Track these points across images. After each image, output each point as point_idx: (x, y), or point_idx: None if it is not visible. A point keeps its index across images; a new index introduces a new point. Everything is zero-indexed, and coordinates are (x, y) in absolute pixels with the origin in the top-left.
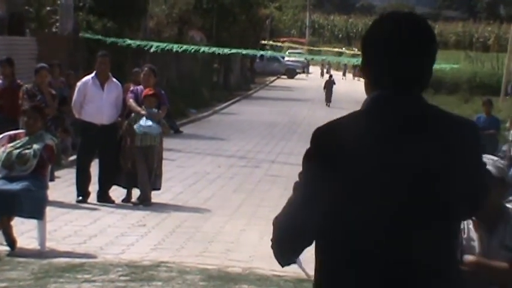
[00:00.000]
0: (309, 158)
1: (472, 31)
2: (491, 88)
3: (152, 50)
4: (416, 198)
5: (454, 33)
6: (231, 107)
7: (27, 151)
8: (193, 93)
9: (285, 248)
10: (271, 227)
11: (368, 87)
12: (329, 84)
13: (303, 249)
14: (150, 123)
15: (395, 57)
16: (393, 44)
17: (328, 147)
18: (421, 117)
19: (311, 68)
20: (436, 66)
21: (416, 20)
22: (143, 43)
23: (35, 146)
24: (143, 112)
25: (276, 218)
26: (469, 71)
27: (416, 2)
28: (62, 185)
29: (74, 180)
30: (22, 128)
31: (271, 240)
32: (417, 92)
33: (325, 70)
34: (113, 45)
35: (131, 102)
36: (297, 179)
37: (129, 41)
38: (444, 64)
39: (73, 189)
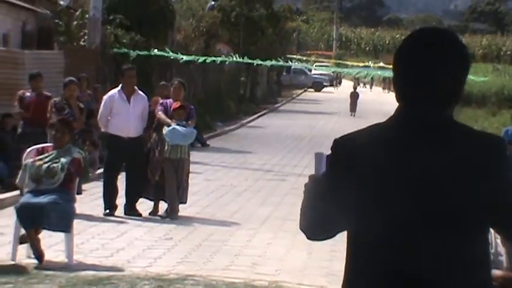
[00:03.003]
0: (327, 162)
1: (499, 44)
2: None
3: (182, 60)
4: (428, 207)
5: (481, 46)
6: (257, 120)
7: (55, 165)
8: (219, 106)
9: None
10: (299, 240)
11: (396, 99)
12: (354, 96)
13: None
14: (183, 128)
15: (418, 71)
16: (418, 58)
17: (344, 154)
18: (440, 131)
19: (343, 81)
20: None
21: (448, 38)
22: (171, 55)
23: (63, 160)
24: (173, 125)
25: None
26: (497, 83)
27: (443, 15)
28: (89, 198)
29: (101, 194)
30: (50, 141)
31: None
32: (443, 108)
33: (362, 84)
34: (140, 58)
35: (160, 114)
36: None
37: (156, 52)
38: (472, 77)
39: (100, 203)
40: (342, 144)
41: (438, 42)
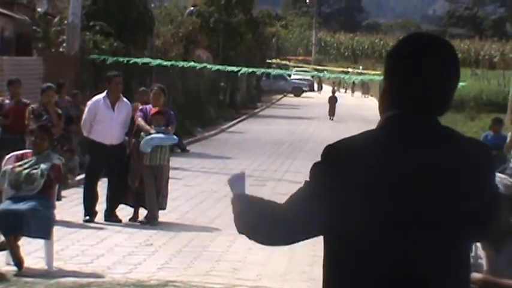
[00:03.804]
0: (316, 167)
1: (478, 48)
2: (497, 106)
3: (156, 64)
4: (420, 210)
5: (460, 50)
6: (237, 125)
7: (34, 171)
8: (199, 111)
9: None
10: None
11: (383, 105)
12: (332, 100)
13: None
14: (161, 135)
15: (414, 78)
16: (414, 65)
17: (336, 160)
18: (431, 135)
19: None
20: None
21: (442, 44)
22: (149, 61)
23: (42, 166)
24: (152, 131)
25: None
26: (476, 88)
27: (421, 20)
28: (68, 205)
29: (81, 200)
30: (29, 148)
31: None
32: (437, 114)
33: (344, 90)
34: (119, 64)
35: (140, 120)
36: None
37: (135, 60)
38: None
39: (80, 209)
40: (334, 151)
41: (434, 50)
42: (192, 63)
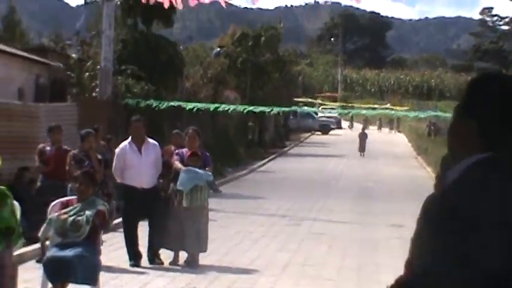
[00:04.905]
0: (420, 221)
1: None
2: None
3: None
4: None
5: None
6: (267, 164)
7: (80, 218)
8: (229, 152)
9: None
10: (320, 286)
11: (465, 146)
12: (362, 136)
13: None
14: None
15: (495, 118)
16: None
17: (439, 215)
18: None
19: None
20: None
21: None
22: (181, 103)
23: (87, 213)
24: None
25: None
26: None
27: (446, 55)
28: (108, 249)
29: (120, 244)
30: (69, 194)
31: None
32: None
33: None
34: (150, 107)
35: (177, 164)
36: (340, 236)
37: (167, 103)
38: None
39: (119, 253)
40: (432, 203)
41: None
42: (223, 105)
